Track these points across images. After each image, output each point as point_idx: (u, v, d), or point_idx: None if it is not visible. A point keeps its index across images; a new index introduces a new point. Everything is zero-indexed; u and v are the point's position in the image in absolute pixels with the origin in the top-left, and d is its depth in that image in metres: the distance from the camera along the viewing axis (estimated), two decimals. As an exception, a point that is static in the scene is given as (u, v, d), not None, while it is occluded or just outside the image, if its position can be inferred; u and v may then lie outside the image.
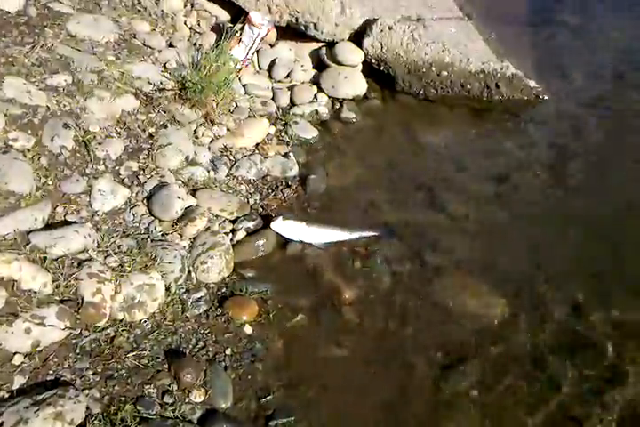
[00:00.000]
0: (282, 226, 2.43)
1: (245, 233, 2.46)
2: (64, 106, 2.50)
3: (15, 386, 1.77)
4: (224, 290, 2.26)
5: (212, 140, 2.81)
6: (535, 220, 2.78)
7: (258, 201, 2.66)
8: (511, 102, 3.39)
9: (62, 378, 1.83)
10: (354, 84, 3.37)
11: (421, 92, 3.42)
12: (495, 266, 2.52)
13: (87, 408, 1.75)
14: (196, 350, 2.04)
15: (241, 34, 3.17)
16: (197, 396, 1.89)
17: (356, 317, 2.24)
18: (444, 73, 3.33)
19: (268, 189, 2.73)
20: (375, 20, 3.36)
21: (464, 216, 2.74)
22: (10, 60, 2.50)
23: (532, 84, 3.40)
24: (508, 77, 3.34)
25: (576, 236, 2.69)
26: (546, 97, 3.43)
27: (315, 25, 3.37)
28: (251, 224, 2.49)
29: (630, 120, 3.47)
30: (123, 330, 2.01)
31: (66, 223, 2.18)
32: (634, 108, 3.56)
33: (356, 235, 2.52)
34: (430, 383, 2.07)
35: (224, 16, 3.46)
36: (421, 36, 3.34)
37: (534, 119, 3.41)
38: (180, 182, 2.54)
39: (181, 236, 2.34)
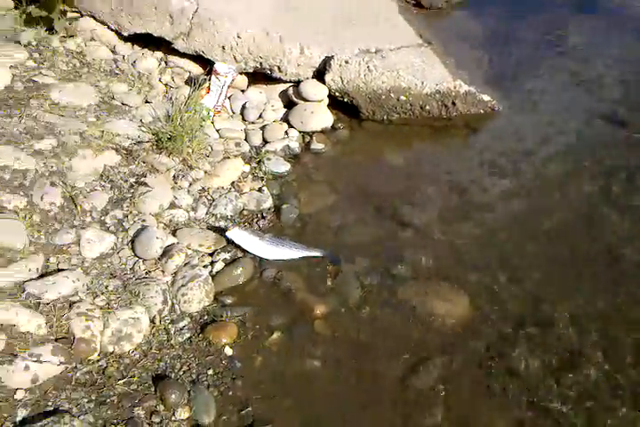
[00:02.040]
0: (236, 235, 2.65)
1: (223, 264, 2.68)
2: (51, 167, 2.78)
3: (19, 418, 1.97)
4: (205, 317, 2.47)
5: (190, 184, 3.05)
6: (496, 227, 2.95)
7: (234, 234, 2.89)
8: (469, 117, 3.60)
9: (60, 408, 2.04)
10: (321, 117, 3.61)
11: (385, 117, 3.65)
12: (457, 271, 2.69)
13: (82, 433, 1.97)
14: (181, 373, 2.24)
15: (209, 84, 3.47)
16: (182, 413, 2.09)
17: (328, 330, 2.42)
18: (403, 98, 3.56)
19: (244, 223, 2.95)
20: (332, 56, 3.61)
21: (429, 230, 2.92)
22: (0, 131, 2.81)
23: (486, 98, 3.61)
24: (462, 94, 3.55)
25: (534, 239, 2.86)
26: (501, 108, 3.64)
27: (278, 68, 3.66)
28: (227, 255, 2.71)
29: (586, 126, 3.66)
30: (113, 361, 2.22)
31: (58, 271, 2.43)
32: (591, 113, 3.75)
33: (303, 253, 2.72)
34: (399, 383, 2.23)
35: (196, 70, 3.76)
36: (377, 66, 3.58)
37: (490, 131, 3.61)
38: (162, 224, 2.78)
39: (163, 272, 2.57)
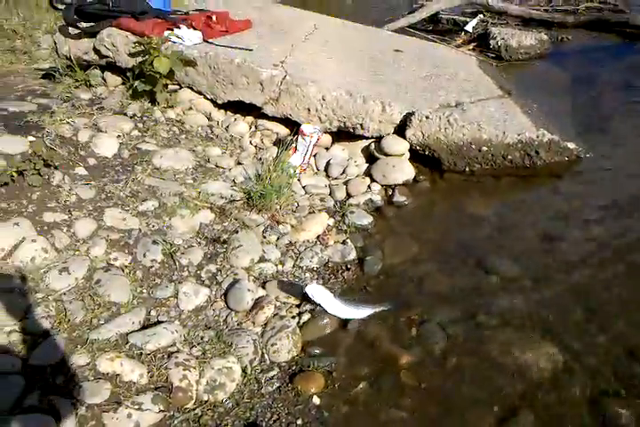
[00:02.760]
0: (314, 290, 2.70)
1: (310, 315, 2.77)
2: (153, 226, 3.04)
3: (122, 463, 2.13)
4: (294, 367, 2.54)
5: (278, 238, 3.21)
6: (589, 278, 2.86)
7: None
8: (555, 165, 3.57)
9: (160, 453, 2.18)
10: (402, 170, 3.71)
11: (467, 168, 3.70)
12: (547, 320, 2.63)
13: (180, 478, 2.07)
14: (271, 422, 2.31)
15: (296, 144, 3.68)
16: (273, 462, 2.16)
17: (414, 380, 2.43)
18: (484, 148, 3.61)
19: (329, 274, 3.05)
20: (413, 112, 3.74)
21: (515, 277, 2.89)
22: (108, 195, 3.11)
23: (572, 145, 3.57)
24: (545, 143, 3.54)
25: (631, 294, 2.74)
26: (587, 155, 3.59)
27: (361, 125, 3.83)
28: (314, 306, 2.81)
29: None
30: (207, 409, 2.34)
31: (158, 323, 2.62)
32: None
33: (371, 311, 2.75)
34: (487, 437, 2.19)
35: (284, 131, 4.00)
36: (457, 119, 3.66)
37: (578, 178, 3.55)
38: (252, 277, 2.94)
39: (254, 323, 2.70)
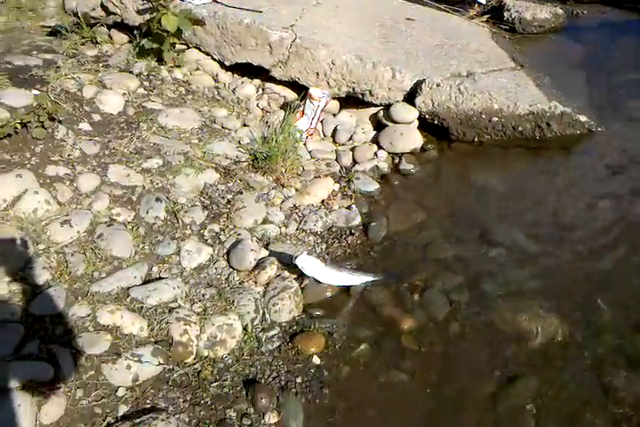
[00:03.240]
0: (305, 261, 2.60)
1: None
2: (157, 184, 3.00)
3: (120, 413, 2.11)
4: (294, 327, 2.54)
5: (282, 201, 3.18)
6: (593, 251, 2.83)
7: (324, 249, 2.96)
8: (565, 138, 3.52)
9: (157, 406, 2.16)
10: (410, 138, 3.66)
11: (476, 138, 3.65)
12: (552, 290, 2.61)
13: (178, 430, 2.07)
14: (270, 379, 2.31)
15: (303, 108, 3.62)
16: (271, 418, 2.15)
17: (415, 344, 2.42)
18: (495, 119, 3.55)
19: (333, 239, 3.02)
20: (424, 80, 3.67)
21: (520, 249, 2.86)
22: (112, 151, 3.07)
23: (584, 118, 3.52)
24: (557, 115, 3.49)
25: (634, 261, 2.73)
26: (600, 129, 3.54)
27: (370, 92, 3.77)
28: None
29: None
30: (207, 365, 2.33)
31: (160, 279, 2.60)
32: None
33: (363, 279, 2.70)
34: (487, 400, 2.18)
35: (291, 95, 3.93)
36: (468, 88, 3.60)
37: (588, 152, 3.50)
38: (255, 238, 2.91)
39: (256, 283, 2.68)
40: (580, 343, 2.37)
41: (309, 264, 2.62)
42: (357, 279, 2.70)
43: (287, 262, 2.75)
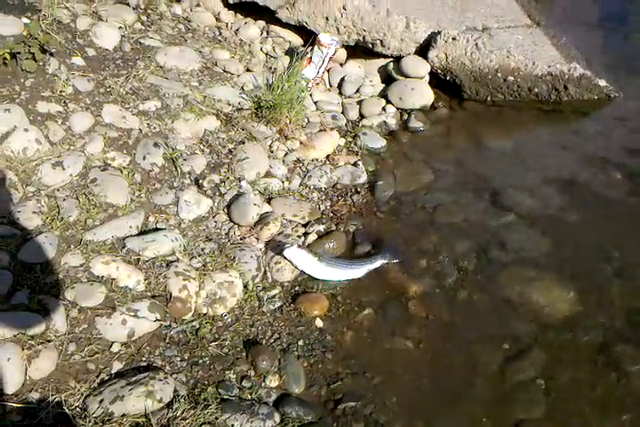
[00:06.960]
0: (294, 254, 2.39)
1: (316, 236, 2.63)
2: (154, 128, 2.81)
3: (114, 370, 2.01)
4: (297, 288, 2.44)
5: (285, 154, 3.02)
6: (606, 218, 2.76)
7: (328, 207, 2.83)
8: (581, 102, 3.39)
9: (154, 364, 2.06)
10: (421, 94, 3.49)
11: (489, 98, 3.50)
12: (564, 262, 2.54)
13: (175, 390, 1.97)
14: (272, 340, 2.22)
15: (311, 55, 3.40)
16: (272, 381, 2.07)
17: (422, 310, 2.35)
18: (511, 78, 3.39)
19: (337, 196, 2.90)
20: (439, 32, 3.47)
21: (532, 215, 2.77)
22: (108, 89, 2.85)
23: (603, 83, 3.39)
24: (576, 78, 3.35)
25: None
26: (618, 95, 3.41)
27: (381, 42, 3.56)
28: (321, 227, 2.66)
29: None
30: (206, 322, 2.22)
31: (157, 230, 2.46)
32: None
33: (363, 270, 2.48)
34: (495, 372, 2.13)
35: (297, 40, 3.71)
36: (485, 44, 3.42)
37: (605, 118, 3.38)
38: (257, 192, 2.77)
39: (257, 239, 2.56)
40: (591, 316, 2.31)
41: (300, 258, 2.40)
42: (357, 272, 2.48)
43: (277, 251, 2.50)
